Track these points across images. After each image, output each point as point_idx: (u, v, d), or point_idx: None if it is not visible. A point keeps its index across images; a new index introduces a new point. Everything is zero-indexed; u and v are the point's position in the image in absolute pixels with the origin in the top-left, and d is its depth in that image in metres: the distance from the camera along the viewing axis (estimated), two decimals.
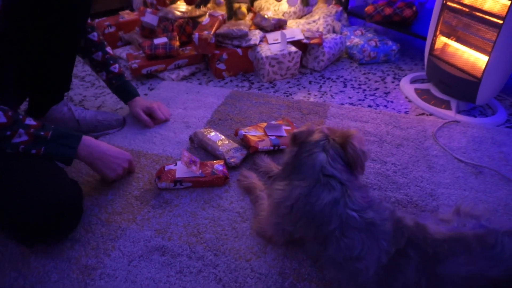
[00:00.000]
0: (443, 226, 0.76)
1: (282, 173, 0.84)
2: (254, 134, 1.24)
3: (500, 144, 1.27)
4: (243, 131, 1.24)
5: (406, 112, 1.49)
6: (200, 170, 1.09)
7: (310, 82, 1.72)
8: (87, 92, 1.67)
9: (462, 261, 0.66)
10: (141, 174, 1.16)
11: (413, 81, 1.70)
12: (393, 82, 1.72)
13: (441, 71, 1.49)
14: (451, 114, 1.43)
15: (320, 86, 1.69)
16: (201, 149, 1.26)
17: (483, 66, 1.32)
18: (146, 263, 0.89)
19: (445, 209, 1.02)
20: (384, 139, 1.30)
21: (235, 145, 1.22)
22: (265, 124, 1.30)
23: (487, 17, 1.29)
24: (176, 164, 1.12)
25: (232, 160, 1.16)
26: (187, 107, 1.51)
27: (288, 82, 1.73)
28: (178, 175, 1.08)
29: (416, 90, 1.60)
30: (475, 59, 1.39)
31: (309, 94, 1.63)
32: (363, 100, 1.58)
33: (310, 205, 0.75)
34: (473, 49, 1.40)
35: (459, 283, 0.66)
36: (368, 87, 1.68)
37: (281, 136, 1.25)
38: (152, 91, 1.65)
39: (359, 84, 1.70)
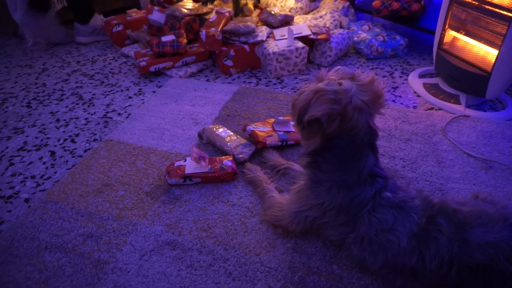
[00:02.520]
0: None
1: (315, 163, 0.81)
2: (262, 129, 1.24)
3: (510, 138, 1.26)
4: (251, 127, 1.25)
5: (414, 107, 1.48)
6: (209, 166, 1.10)
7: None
8: (96, 90, 1.69)
9: (487, 230, 0.70)
10: (151, 170, 1.18)
11: (421, 75, 1.69)
12: (401, 77, 1.71)
13: (450, 66, 1.48)
14: (460, 108, 1.42)
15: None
16: (210, 145, 1.27)
17: (493, 60, 1.31)
18: (157, 257, 0.90)
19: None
20: (392, 134, 1.30)
21: (244, 141, 1.23)
22: (273, 119, 1.31)
23: (497, 10, 1.28)
24: (185, 160, 1.13)
25: (241, 155, 1.17)
26: (195, 104, 1.52)
27: (296, 77, 1.73)
28: (188, 171, 1.09)
29: (424, 84, 1.59)
30: (484, 53, 1.37)
31: None
32: None
33: (353, 199, 0.77)
34: (483, 43, 1.38)
35: (485, 248, 0.69)
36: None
37: (289, 132, 1.25)
38: (160, 88, 1.66)
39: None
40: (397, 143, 1.26)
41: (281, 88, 1.65)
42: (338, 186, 0.77)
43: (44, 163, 1.25)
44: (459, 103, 1.45)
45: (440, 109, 1.46)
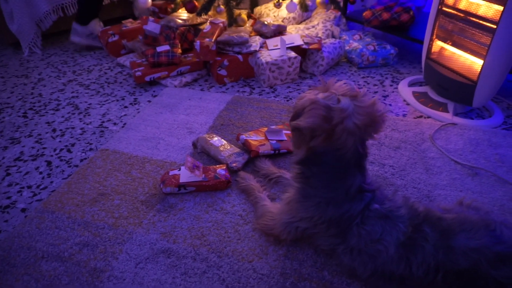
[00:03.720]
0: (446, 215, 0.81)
1: (304, 176, 0.84)
2: (255, 138, 1.27)
3: (496, 146, 1.30)
4: (244, 136, 1.28)
5: (404, 115, 1.52)
6: (203, 175, 1.13)
7: (309, 87, 1.76)
8: (92, 100, 1.71)
9: (470, 236, 0.73)
10: (146, 179, 1.20)
11: (411, 84, 1.73)
12: (391, 85, 1.75)
13: (438, 75, 1.52)
14: (448, 116, 1.46)
15: None
16: (204, 154, 1.29)
17: (479, 70, 1.35)
18: (152, 265, 0.92)
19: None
20: (382, 142, 1.33)
21: (237, 149, 1.26)
22: (266, 128, 1.34)
23: (481, 22, 1.33)
24: (180, 169, 1.16)
25: (234, 164, 1.19)
26: (190, 113, 1.55)
27: (288, 87, 1.76)
28: (182, 179, 1.12)
29: (414, 93, 1.63)
30: (471, 62, 1.42)
31: None
32: None
33: (342, 214, 0.79)
34: (469, 53, 1.43)
35: (469, 254, 0.71)
36: (367, 90, 1.71)
37: (282, 140, 1.28)
38: (155, 98, 1.69)
39: (358, 88, 1.73)
40: (387, 151, 1.29)
41: (274, 97, 1.68)
42: (327, 202, 0.80)
43: (41, 173, 1.27)
44: (447, 111, 1.49)
45: (428, 117, 1.50)
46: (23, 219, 1.07)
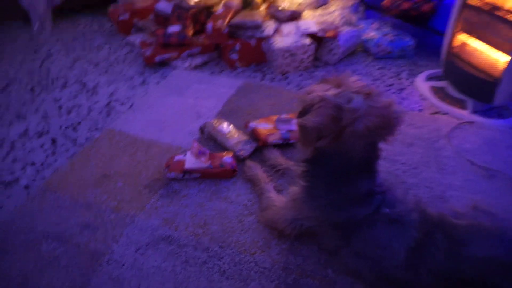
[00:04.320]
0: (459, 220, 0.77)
1: (309, 175, 0.81)
2: (264, 127, 1.23)
3: None
4: (253, 124, 1.24)
5: (420, 110, 1.46)
6: (209, 162, 1.10)
7: (321, 79, 1.70)
8: (100, 78, 1.68)
9: (483, 246, 0.69)
10: (150, 163, 1.18)
11: (428, 78, 1.66)
12: (408, 78, 1.69)
13: (458, 70, 1.46)
14: (466, 114, 1.40)
15: None
16: (211, 140, 1.26)
17: (502, 66, 1.28)
18: (152, 251, 0.91)
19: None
20: (396, 138, 1.28)
21: (245, 137, 1.22)
22: (276, 117, 1.30)
23: (509, 16, 1.25)
24: (185, 155, 1.13)
25: (241, 152, 1.16)
26: (199, 97, 1.51)
27: (301, 75, 1.71)
28: (187, 165, 1.09)
29: (431, 88, 1.56)
30: (494, 58, 1.35)
31: None
32: None
33: (349, 218, 0.76)
34: (493, 48, 1.36)
35: (480, 265, 0.68)
36: (382, 82, 1.65)
37: (292, 130, 1.24)
38: (164, 80, 1.65)
39: (373, 80, 1.68)
40: (400, 147, 1.24)
41: (286, 84, 1.63)
42: (333, 205, 0.77)
43: (45, 150, 1.25)
44: (465, 109, 1.43)
45: (445, 113, 1.44)
46: (25, 197, 1.06)
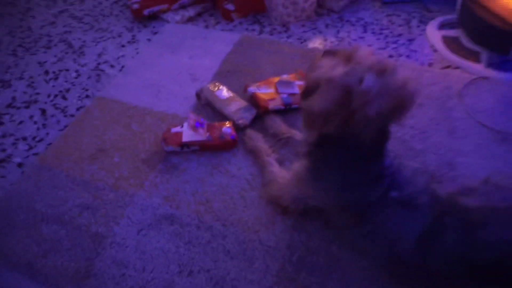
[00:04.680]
0: (473, 199, 0.74)
1: (314, 156, 0.76)
2: (264, 91, 1.16)
3: None
4: (253, 88, 1.16)
5: (430, 64, 1.36)
6: (208, 133, 1.05)
7: (327, 26, 1.57)
8: (86, 37, 1.56)
9: (497, 229, 0.67)
10: (147, 134, 1.12)
11: (441, 26, 1.53)
12: (418, 26, 1.55)
13: (474, 17, 1.33)
14: (479, 68, 1.31)
15: (338, 31, 1.54)
16: (209, 106, 1.19)
17: None
18: (155, 232, 0.90)
19: (464, 180, 0.98)
20: None
21: (244, 103, 1.15)
22: (276, 78, 1.21)
23: None
24: (182, 126, 1.07)
25: (241, 121, 1.10)
26: (193, 56, 1.41)
27: (303, 25, 1.57)
28: (185, 138, 1.04)
29: (443, 38, 1.44)
30: None
31: (325, 40, 1.49)
32: (384, 48, 1.44)
33: (357, 201, 0.73)
34: None
35: (497, 247, 0.66)
36: (390, 32, 1.53)
37: (294, 94, 1.16)
38: (156, 36, 1.52)
39: (381, 29, 1.54)
40: None
41: (286, 37, 1.51)
42: (340, 187, 0.73)
43: (35, 122, 1.19)
44: (479, 62, 1.33)
45: (458, 67, 1.35)
46: (20, 176, 1.03)
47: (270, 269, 0.82)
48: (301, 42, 1.48)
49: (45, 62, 1.43)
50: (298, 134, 1.06)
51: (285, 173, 0.93)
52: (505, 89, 1.23)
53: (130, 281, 0.81)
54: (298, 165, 0.85)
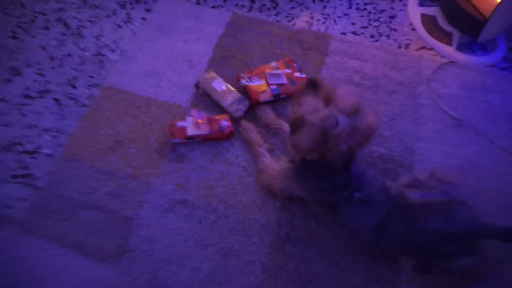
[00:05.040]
0: (417, 192, 0.98)
1: (296, 166, 0.96)
2: (255, 83, 1.30)
3: (488, 90, 1.36)
4: (245, 81, 1.30)
5: (407, 46, 1.49)
6: (209, 128, 1.22)
7: (314, 0, 1.63)
8: (81, 15, 1.60)
9: (429, 220, 0.92)
10: (155, 126, 1.29)
11: (421, 1, 1.61)
12: (401, 0, 1.63)
13: (451, 0, 1.42)
14: (450, 50, 1.45)
15: (324, 6, 1.61)
16: (207, 95, 1.34)
17: (494, 7, 1.27)
18: (172, 214, 1.13)
19: (419, 164, 1.20)
20: (379, 84, 1.37)
21: (238, 95, 1.30)
22: (267, 67, 1.35)
23: None
24: (186, 120, 1.24)
25: (236, 113, 1.27)
26: (188, 39, 1.50)
27: (291, 0, 1.63)
28: (190, 132, 1.21)
29: (422, 16, 1.54)
30: None
31: (312, 18, 1.57)
32: (366, 27, 1.54)
33: (331, 199, 0.96)
34: None
35: (426, 236, 0.92)
36: (373, 7, 1.61)
37: (282, 84, 1.31)
38: (149, 15, 1.58)
39: (365, 4, 1.62)
40: (382, 95, 1.35)
41: (275, 15, 1.58)
42: (317, 189, 0.95)
43: (53, 113, 1.34)
44: (451, 44, 1.46)
45: (431, 48, 1.48)
46: (52, 167, 1.22)
47: (264, 242, 1.09)
48: (289, 20, 1.57)
49: (47, 45, 1.51)
50: (286, 125, 1.24)
51: (274, 164, 1.14)
52: (469, 74, 1.40)
53: (159, 254, 1.07)
54: (285, 164, 1.05)
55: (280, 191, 1.10)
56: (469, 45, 1.49)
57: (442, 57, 1.45)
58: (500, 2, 1.24)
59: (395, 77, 1.39)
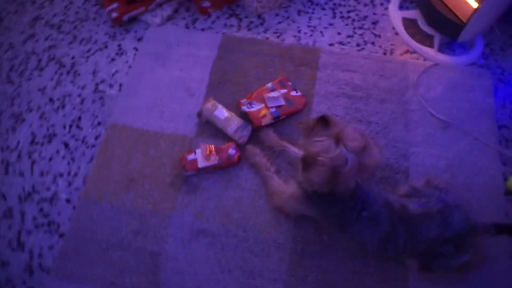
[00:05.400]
0: (417, 203, 1.09)
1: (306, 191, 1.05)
2: (255, 108, 1.37)
3: (469, 90, 1.46)
4: (245, 107, 1.37)
5: (391, 51, 1.57)
6: (218, 157, 1.30)
7: (299, 13, 1.68)
8: (73, 51, 1.62)
9: (429, 229, 1.03)
10: (165, 159, 1.36)
11: (401, 4, 1.68)
12: (382, 4, 1.69)
13: (429, 5, 1.50)
14: (432, 53, 1.53)
15: (310, 18, 1.67)
16: (210, 124, 1.41)
17: (471, 12, 1.35)
18: (195, 244, 1.22)
19: (414, 169, 1.31)
20: (370, 94, 1.46)
21: (241, 121, 1.37)
22: (264, 90, 1.41)
23: None
24: (195, 153, 1.31)
25: (241, 140, 1.34)
26: (183, 68, 1.54)
27: (277, 14, 1.68)
28: (201, 165, 1.29)
29: (403, 20, 1.62)
30: (465, 2, 1.39)
31: (299, 32, 1.63)
32: (352, 36, 1.61)
33: (340, 220, 1.06)
34: None
35: (428, 242, 1.03)
36: (356, 15, 1.67)
37: (280, 106, 1.39)
38: (141, 44, 1.61)
39: (348, 11, 1.68)
40: (374, 105, 1.44)
41: (263, 32, 1.63)
42: (326, 214, 1.05)
43: (64, 157, 1.39)
44: (433, 46, 1.55)
45: (414, 51, 1.57)
46: (73, 211, 1.28)
47: (283, 259, 1.19)
48: (278, 36, 1.62)
49: (45, 87, 1.53)
50: (289, 147, 1.33)
51: (284, 187, 1.23)
52: (451, 75, 1.49)
53: (189, 283, 1.16)
54: (295, 189, 1.14)
55: (291, 212, 1.19)
56: (449, 45, 1.58)
57: (425, 59, 1.54)
58: (477, 8, 1.32)
59: (384, 85, 1.48)
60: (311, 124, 0.97)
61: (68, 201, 1.31)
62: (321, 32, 1.63)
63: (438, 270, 1.09)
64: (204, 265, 1.19)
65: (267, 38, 1.62)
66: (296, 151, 1.31)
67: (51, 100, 1.51)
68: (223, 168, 1.32)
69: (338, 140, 0.90)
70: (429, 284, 1.14)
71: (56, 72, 1.57)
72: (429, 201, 1.09)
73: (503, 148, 1.35)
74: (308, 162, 0.93)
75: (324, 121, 0.95)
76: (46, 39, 1.66)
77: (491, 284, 1.14)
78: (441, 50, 1.55)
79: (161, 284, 1.16)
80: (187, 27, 1.66)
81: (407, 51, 1.57)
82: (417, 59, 1.55)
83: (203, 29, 1.65)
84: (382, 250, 1.07)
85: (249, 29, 1.65)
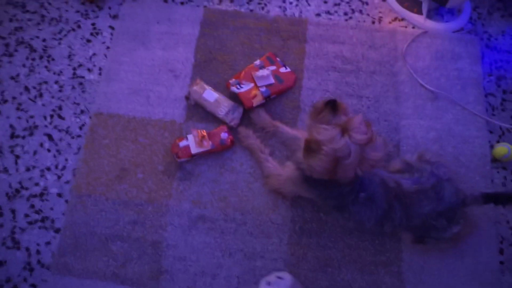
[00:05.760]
0: (410, 179, 1.12)
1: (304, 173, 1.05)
2: (245, 89, 1.33)
3: (457, 58, 1.45)
4: (235, 88, 1.33)
5: (380, 20, 1.53)
6: (210, 142, 1.27)
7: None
8: (43, 33, 1.50)
9: (423, 204, 1.08)
10: (155, 146, 1.32)
11: None
12: None
13: None
14: (420, 20, 1.50)
15: None
16: (199, 107, 1.36)
17: None
18: (195, 231, 1.23)
19: (405, 141, 1.33)
20: (360, 67, 1.43)
21: (231, 102, 1.33)
22: (253, 68, 1.37)
23: None
24: (187, 139, 1.28)
25: (233, 122, 1.31)
26: (166, 46, 1.46)
27: None
28: (194, 151, 1.26)
29: None
30: None
31: (284, 1, 1.55)
32: (339, 4, 1.55)
33: (338, 202, 1.08)
34: None
35: (421, 217, 1.08)
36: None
37: (270, 85, 1.35)
38: (117, 22, 1.50)
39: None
40: (364, 78, 1.42)
41: (247, 3, 1.55)
42: (325, 196, 1.07)
43: (49, 150, 1.33)
44: (421, 13, 1.51)
45: (403, 19, 1.53)
46: (66, 205, 1.26)
47: (282, 239, 1.22)
48: (262, 8, 1.54)
49: (18, 75, 1.43)
50: (281, 127, 1.31)
51: (280, 169, 1.23)
52: (439, 43, 1.48)
53: (192, 269, 1.19)
54: (292, 171, 1.14)
55: (289, 193, 1.21)
56: (437, 11, 1.55)
57: (414, 27, 1.52)
58: None
59: (373, 56, 1.45)
60: (319, 107, 0.95)
61: (59, 195, 1.28)
62: (306, 1, 1.56)
63: (430, 242, 1.15)
64: (205, 250, 1.21)
65: (251, 10, 1.54)
66: (289, 131, 1.30)
67: (26, 88, 1.41)
68: (217, 152, 1.31)
69: (344, 130, 0.89)
70: (421, 253, 1.20)
71: (27, 58, 1.46)
72: (422, 176, 1.12)
73: (490, 116, 1.38)
74: (311, 148, 0.92)
75: (332, 105, 0.93)
76: (11, 20, 1.52)
77: (478, 250, 1.21)
78: (429, 16, 1.52)
79: (164, 272, 1.18)
80: (165, 0, 1.55)
81: (395, 19, 1.54)
82: (406, 27, 1.52)
83: (182, 3, 1.55)
84: (378, 227, 1.11)
85: (232, 1, 1.56)
